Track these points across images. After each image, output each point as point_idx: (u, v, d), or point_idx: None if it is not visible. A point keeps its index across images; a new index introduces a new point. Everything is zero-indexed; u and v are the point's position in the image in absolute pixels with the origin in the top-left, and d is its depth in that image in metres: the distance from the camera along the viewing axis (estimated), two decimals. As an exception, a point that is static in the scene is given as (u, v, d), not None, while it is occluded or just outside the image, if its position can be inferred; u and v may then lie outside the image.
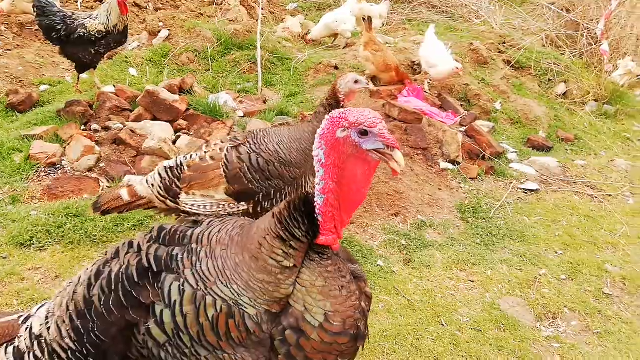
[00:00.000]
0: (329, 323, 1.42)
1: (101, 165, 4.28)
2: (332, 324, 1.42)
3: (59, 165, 4.26)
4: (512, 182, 4.88)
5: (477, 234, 4.04)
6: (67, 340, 1.51)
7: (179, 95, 5.47)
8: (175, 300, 1.40)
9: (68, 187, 3.95)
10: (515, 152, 5.52)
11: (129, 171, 4.22)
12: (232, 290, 1.40)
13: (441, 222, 4.16)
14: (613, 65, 8.06)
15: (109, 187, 4.09)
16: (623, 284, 3.70)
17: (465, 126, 5.67)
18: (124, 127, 4.69)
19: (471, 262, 3.72)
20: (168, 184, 2.80)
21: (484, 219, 4.25)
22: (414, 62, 7.18)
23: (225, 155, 2.80)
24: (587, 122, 6.68)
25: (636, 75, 8.68)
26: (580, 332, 3.23)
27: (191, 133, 4.89)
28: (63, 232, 3.44)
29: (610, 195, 4.90)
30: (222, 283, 1.41)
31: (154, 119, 4.92)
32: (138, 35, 8.03)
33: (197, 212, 2.79)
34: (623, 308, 3.46)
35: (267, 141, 2.88)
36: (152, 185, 2.83)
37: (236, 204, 2.83)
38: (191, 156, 2.87)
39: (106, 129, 4.80)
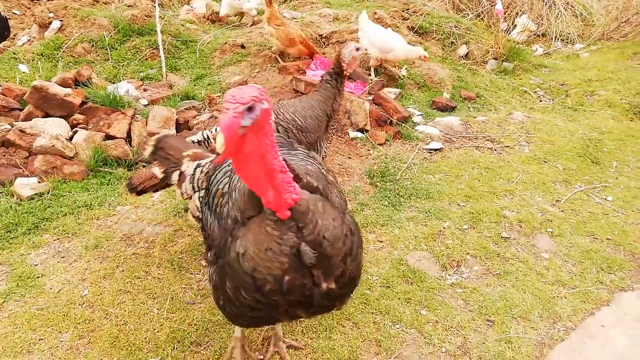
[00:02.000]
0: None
1: (-12, 170, 3.98)
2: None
3: (-61, 176, 3.92)
4: (417, 144, 5.06)
5: (385, 197, 4.18)
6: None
7: (76, 88, 5.18)
8: None
9: (-49, 197, 3.66)
10: (421, 114, 5.72)
11: (20, 173, 3.96)
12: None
13: (351, 189, 4.26)
14: (508, 24, 8.49)
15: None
16: (520, 226, 3.98)
17: (372, 94, 5.79)
18: (12, 127, 4.38)
19: (380, 223, 3.85)
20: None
21: (392, 181, 4.39)
22: (321, 35, 7.20)
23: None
24: (487, 80, 7.03)
25: (531, 31, 9.23)
26: (482, 276, 3.45)
27: (90, 127, 4.66)
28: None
29: (508, 147, 5.22)
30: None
31: (46, 115, 4.63)
32: (28, 29, 7.47)
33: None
34: (520, 249, 3.73)
35: (283, 111, 3.21)
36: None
37: None
38: (216, 129, 3.10)
39: (-8, 131, 4.46)
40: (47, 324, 2.76)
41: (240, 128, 1.43)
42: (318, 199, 1.74)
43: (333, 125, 3.51)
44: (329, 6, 8.60)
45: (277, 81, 5.99)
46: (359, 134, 5.06)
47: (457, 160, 4.85)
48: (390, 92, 5.94)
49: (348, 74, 3.37)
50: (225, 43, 6.87)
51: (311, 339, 2.84)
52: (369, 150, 4.89)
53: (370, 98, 5.68)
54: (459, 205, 4.16)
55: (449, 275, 3.45)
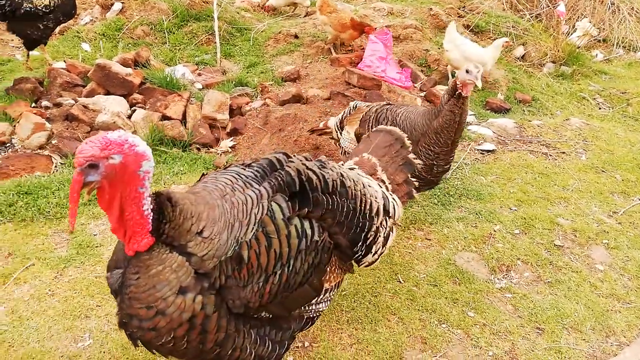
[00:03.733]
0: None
1: (53, 142, 4.17)
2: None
3: (8, 144, 4.14)
4: (469, 144, 4.97)
5: (435, 195, 4.12)
6: None
7: (135, 69, 5.34)
8: None
9: (19, 165, 3.84)
10: (474, 114, 5.60)
11: (82, 147, 4.12)
12: None
13: (400, 185, 4.22)
14: (570, 27, 8.18)
15: (62, 164, 4.01)
16: (574, 235, 3.85)
17: (425, 91, 5.71)
18: (76, 102, 4.56)
19: (428, 221, 3.81)
20: (341, 119, 3.81)
21: (442, 180, 4.32)
22: (374, 28, 7.14)
23: (368, 107, 3.64)
24: (544, 84, 6.81)
25: (592, 36, 8.86)
26: (532, 282, 3.37)
27: (147, 107, 4.79)
28: (15, 210, 3.36)
29: (564, 153, 5.05)
30: None
31: (108, 93, 4.80)
32: (90, 9, 7.73)
33: (342, 141, 3.76)
34: (573, 258, 3.61)
35: (398, 111, 3.49)
36: (336, 122, 3.85)
37: (356, 144, 3.47)
38: (355, 105, 3.76)
39: (57, 105, 4.66)
40: (104, 291, 2.86)
41: (86, 184, 1.46)
42: (154, 261, 1.62)
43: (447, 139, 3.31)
44: (382, 0, 8.53)
45: (329, 73, 5.99)
46: (410, 130, 4.99)
47: (510, 163, 4.73)
48: (442, 90, 5.83)
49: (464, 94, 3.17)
50: (279, 32, 6.92)
51: (356, 329, 2.85)
52: (419, 147, 4.83)
53: (423, 95, 5.61)
54: (510, 209, 4.07)
55: (497, 279, 3.38)
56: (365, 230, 2.20)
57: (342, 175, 2.12)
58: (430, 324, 2.92)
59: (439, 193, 4.15)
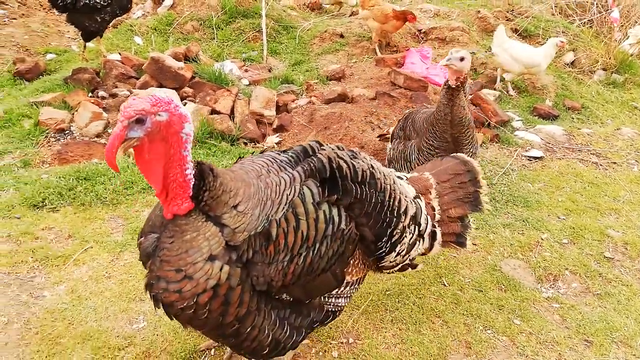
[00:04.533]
0: None
1: (109, 131, 4.33)
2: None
3: (67, 131, 4.32)
4: (516, 150, 4.89)
5: (481, 199, 4.08)
6: None
7: (184, 63, 5.48)
8: None
9: (78, 151, 4.02)
10: (521, 120, 5.50)
11: (136, 137, 4.26)
12: None
13: (445, 188, 4.19)
14: (623, 34, 7.92)
15: (117, 152, 4.17)
16: (625, 248, 3.75)
17: (470, 94, 5.64)
18: (131, 93, 4.72)
19: (474, 226, 3.76)
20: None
21: (488, 185, 4.25)
22: (420, 30, 7.11)
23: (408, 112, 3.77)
24: (594, 91, 6.62)
25: (646, 44, 8.54)
26: (580, 294, 3.30)
27: (197, 100, 4.92)
28: (74, 194, 3.52)
29: (614, 163, 4.90)
30: None
31: (160, 86, 4.95)
32: (142, 3, 7.98)
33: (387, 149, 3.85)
34: (624, 271, 3.51)
35: (423, 110, 3.60)
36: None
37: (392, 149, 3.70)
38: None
39: (113, 95, 4.84)
40: (157, 277, 2.96)
41: (127, 139, 1.49)
42: (190, 227, 1.69)
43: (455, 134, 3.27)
44: (428, 2, 8.47)
45: (374, 73, 6.00)
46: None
47: (559, 171, 4.63)
48: (488, 94, 5.77)
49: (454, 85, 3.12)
50: (325, 31, 6.96)
51: (400, 329, 2.85)
52: (464, 150, 4.78)
53: (469, 98, 5.54)
54: (558, 217, 3.98)
55: (544, 288, 3.32)
56: (392, 226, 2.20)
57: (372, 167, 2.13)
58: (475, 329, 2.90)
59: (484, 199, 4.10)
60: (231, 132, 4.57)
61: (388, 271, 2.42)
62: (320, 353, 2.67)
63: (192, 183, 1.66)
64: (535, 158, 4.79)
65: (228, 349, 2.57)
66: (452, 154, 2.86)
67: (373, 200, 2.08)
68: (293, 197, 1.84)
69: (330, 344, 2.72)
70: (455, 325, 2.91)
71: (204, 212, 1.71)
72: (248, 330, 1.84)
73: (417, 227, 2.36)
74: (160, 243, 1.72)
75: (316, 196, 1.88)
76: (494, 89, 6.04)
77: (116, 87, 4.99)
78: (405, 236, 2.29)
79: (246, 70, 6.04)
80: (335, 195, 1.95)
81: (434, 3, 8.26)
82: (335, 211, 1.93)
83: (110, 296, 2.81)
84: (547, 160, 4.83)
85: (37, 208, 3.40)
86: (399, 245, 2.27)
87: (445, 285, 3.20)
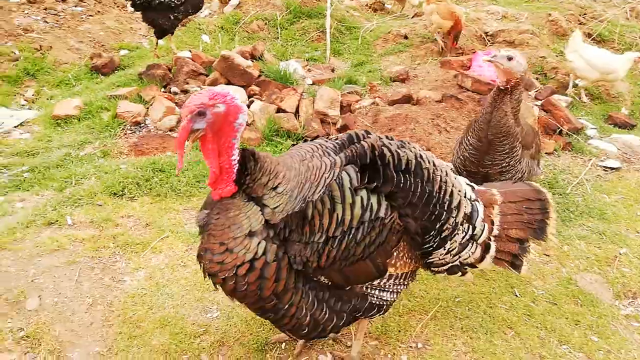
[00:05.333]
0: None
1: (181, 125, 4.47)
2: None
3: (143, 124, 4.51)
4: (591, 159, 4.67)
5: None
6: None
7: (251, 61, 5.59)
8: None
9: (153, 144, 4.18)
10: (595, 128, 5.25)
11: (207, 132, 4.39)
12: None
13: (515, 196, 4.06)
14: None
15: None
16: None
17: (541, 100, 5.45)
18: (201, 90, 4.86)
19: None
20: None
21: (561, 194, 4.11)
22: (486, 32, 6.94)
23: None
24: (675, 100, 6.23)
25: None
26: (663, 314, 3.11)
27: (263, 98, 5.00)
28: (151, 185, 3.67)
29: (699, 177, 4.59)
30: None
31: (229, 83, 5.07)
32: (209, 2, 8.22)
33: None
34: None
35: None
36: None
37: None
38: None
39: (185, 92, 5.00)
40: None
41: (193, 131, 1.70)
42: (233, 206, 1.85)
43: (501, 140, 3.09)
44: (495, 3, 8.24)
45: (439, 75, 5.90)
46: (525, 140, 4.79)
47: (637, 183, 4.39)
48: (560, 100, 5.54)
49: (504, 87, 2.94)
50: (389, 32, 6.92)
51: (471, 338, 2.79)
52: (534, 158, 4.61)
53: (539, 104, 5.35)
54: (638, 232, 3.77)
55: (623, 305, 3.15)
56: (442, 220, 2.11)
57: (420, 156, 2.07)
58: (549, 343, 2.79)
59: (558, 208, 3.94)
60: (296, 130, 4.62)
61: (436, 269, 2.33)
62: (389, 356, 2.65)
63: (236, 169, 1.83)
64: (612, 168, 4.56)
65: (298, 343, 2.60)
66: (526, 182, 2.79)
67: (419, 191, 2.03)
68: (331, 180, 1.90)
69: (399, 347, 2.70)
70: (528, 338, 2.81)
71: (247, 194, 1.87)
72: (286, 307, 1.95)
73: (471, 227, 2.26)
74: (210, 219, 1.89)
75: (354, 181, 1.91)
76: (566, 95, 5.80)
77: (187, 83, 5.15)
78: (457, 234, 2.20)
79: (309, 70, 6.08)
80: (376, 183, 1.94)
81: (501, 4, 8.03)
82: (374, 199, 1.94)
83: (185, 284, 2.91)
84: (624, 171, 4.58)
85: (117, 196, 3.56)
86: (449, 242, 2.19)
87: (517, 296, 3.10)
